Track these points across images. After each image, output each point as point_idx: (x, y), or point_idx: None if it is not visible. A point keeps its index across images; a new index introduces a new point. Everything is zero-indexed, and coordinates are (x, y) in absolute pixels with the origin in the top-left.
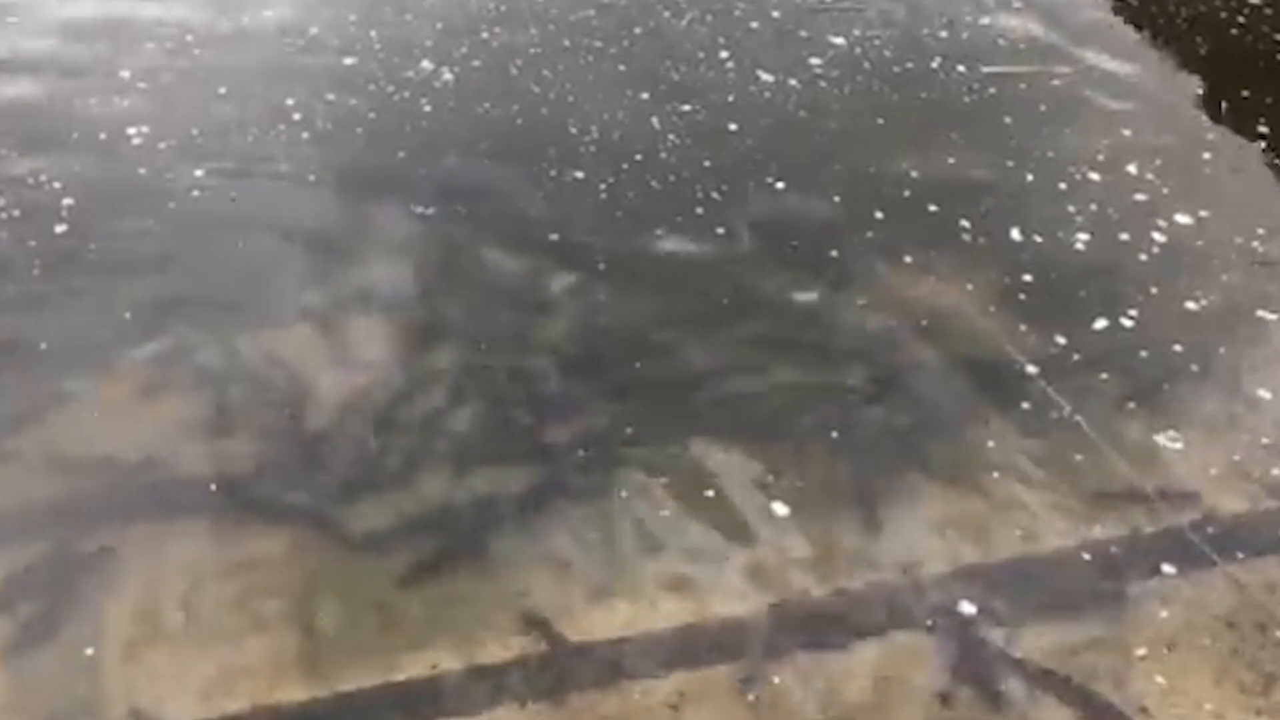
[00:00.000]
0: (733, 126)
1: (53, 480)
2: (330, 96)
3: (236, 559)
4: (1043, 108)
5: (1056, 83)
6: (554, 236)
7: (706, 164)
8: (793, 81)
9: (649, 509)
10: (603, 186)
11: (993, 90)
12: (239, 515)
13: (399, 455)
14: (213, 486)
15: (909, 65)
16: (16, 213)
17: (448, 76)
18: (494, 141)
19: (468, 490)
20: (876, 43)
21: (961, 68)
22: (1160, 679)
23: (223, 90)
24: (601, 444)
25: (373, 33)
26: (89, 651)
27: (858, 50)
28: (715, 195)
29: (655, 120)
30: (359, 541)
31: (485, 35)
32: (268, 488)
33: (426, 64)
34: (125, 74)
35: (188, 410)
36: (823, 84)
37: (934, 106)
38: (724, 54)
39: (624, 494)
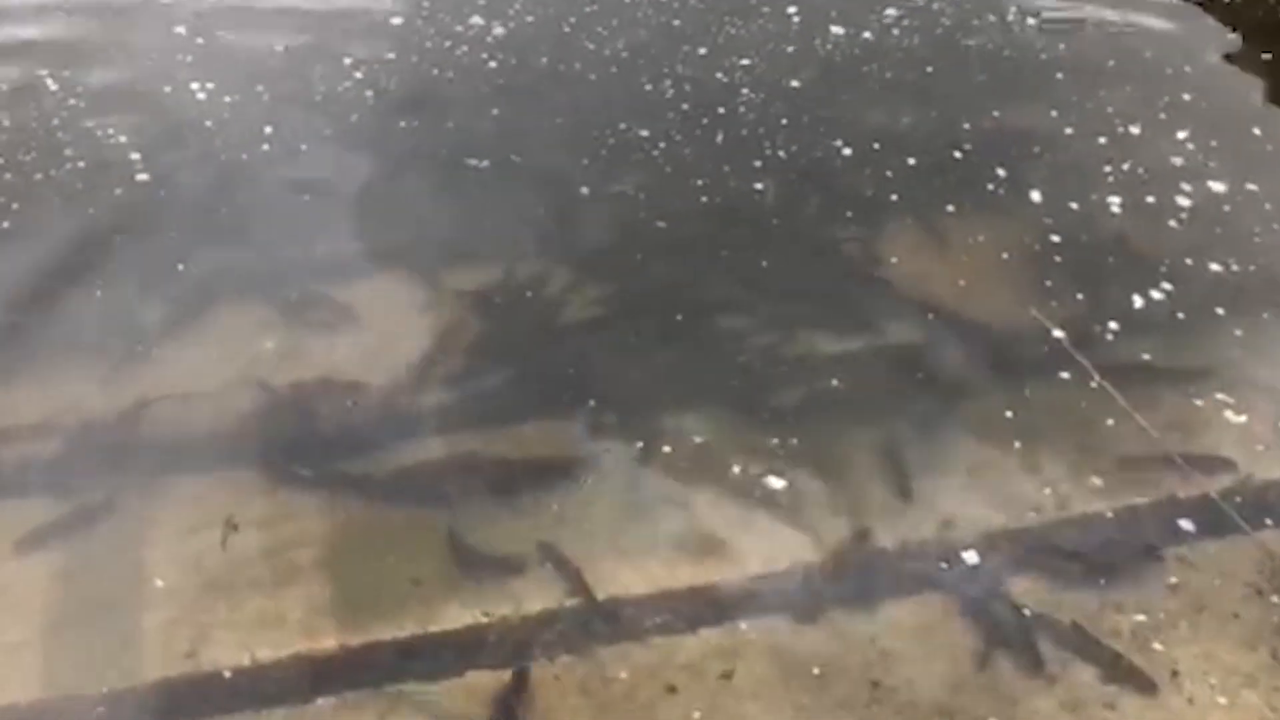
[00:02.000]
0: (795, 83)
1: None
2: (390, 55)
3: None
4: (1107, 64)
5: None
6: (612, 188)
7: (761, 117)
8: (866, 35)
9: (680, 464)
10: (662, 144)
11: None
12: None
13: (436, 414)
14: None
15: (987, 18)
16: (82, 164)
17: (499, 31)
18: (548, 95)
19: (507, 442)
20: None
21: (1031, 20)
22: (1191, 645)
23: (280, 48)
24: (635, 396)
25: None
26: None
27: (935, 5)
28: (771, 149)
29: (720, 75)
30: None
31: None
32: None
33: (478, 19)
34: (181, 30)
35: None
36: (895, 33)
37: (1005, 60)
38: (791, 8)
39: (666, 449)
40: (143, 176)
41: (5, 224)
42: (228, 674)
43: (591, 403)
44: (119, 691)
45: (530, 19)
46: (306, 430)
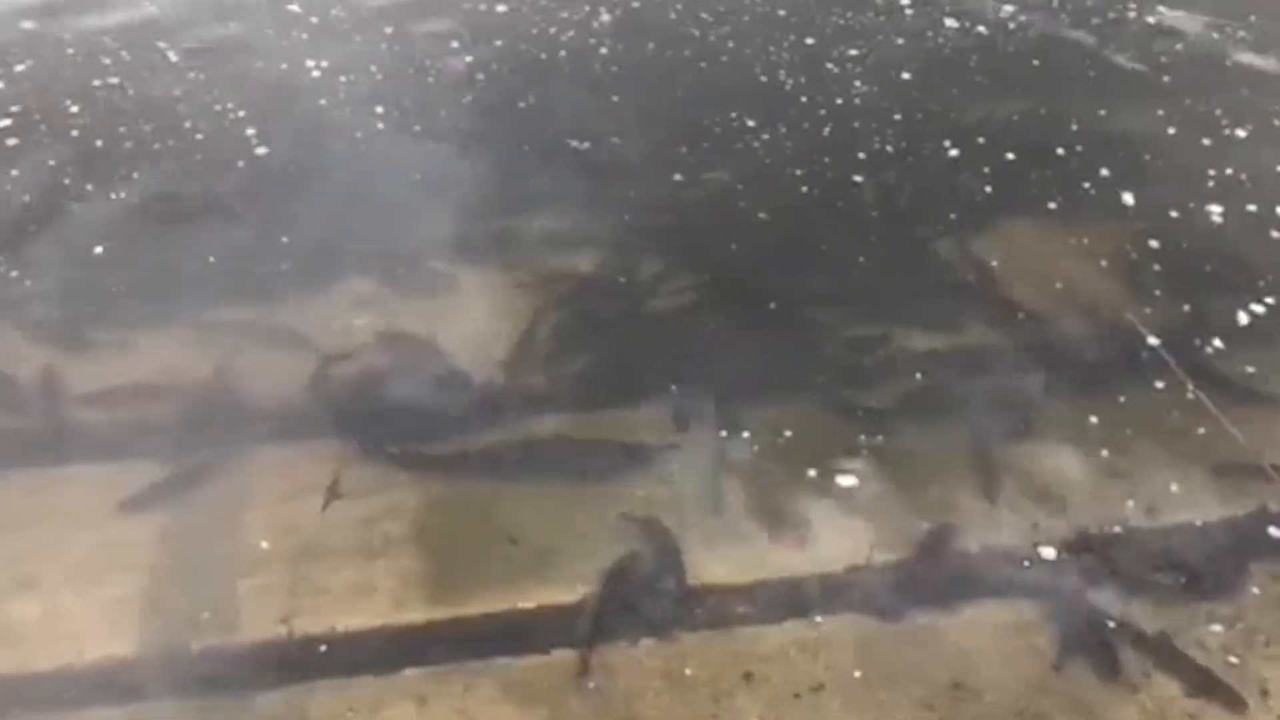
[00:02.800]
0: (906, 75)
1: None
2: (498, 42)
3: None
4: (1222, 65)
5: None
6: (710, 175)
7: (870, 110)
8: (980, 29)
9: (764, 455)
10: (766, 134)
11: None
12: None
13: (527, 395)
14: None
15: (1106, 15)
16: (199, 136)
17: (606, 18)
18: (655, 81)
19: (595, 425)
20: None
21: (1150, 19)
22: None
23: (389, 29)
24: (722, 384)
25: None
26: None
27: (1055, 2)
28: (877, 143)
29: (830, 66)
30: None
31: None
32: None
33: (585, 6)
34: (296, 8)
35: None
36: (1011, 28)
37: (1118, 58)
38: (904, 1)
39: (751, 439)
40: (261, 150)
41: (122, 193)
42: (319, 639)
43: (677, 389)
44: (214, 650)
45: (636, 5)
46: (401, 405)
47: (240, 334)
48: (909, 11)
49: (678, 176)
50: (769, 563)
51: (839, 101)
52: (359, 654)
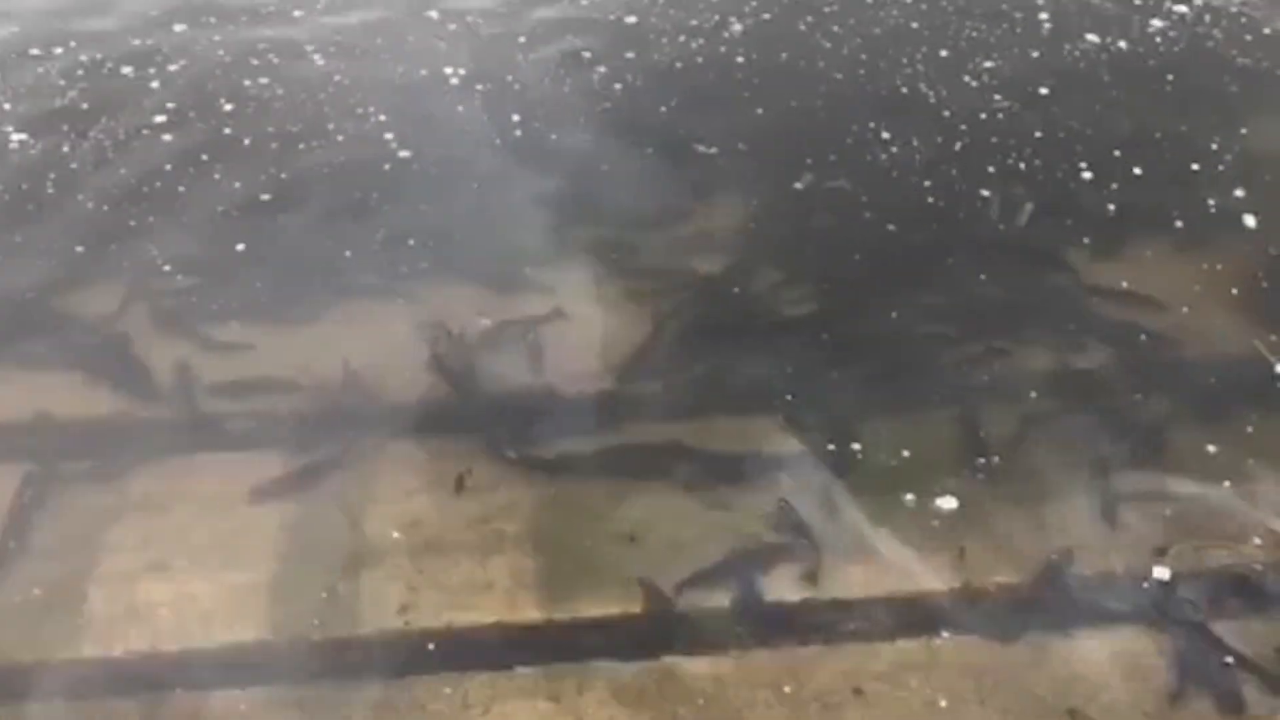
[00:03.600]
0: (1044, 90)
1: None
2: (629, 55)
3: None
4: None
5: None
6: (835, 185)
7: (1005, 124)
8: (1121, 43)
9: (877, 470)
10: (896, 146)
11: None
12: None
13: (640, 401)
14: None
15: (1261, 32)
16: (340, 138)
17: (737, 28)
18: (786, 90)
19: (707, 434)
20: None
21: None
22: None
23: (522, 39)
24: (834, 397)
25: None
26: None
27: (1206, 17)
28: (1007, 157)
29: (968, 79)
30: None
31: None
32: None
33: (715, 16)
34: (434, 14)
35: None
36: (1156, 42)
37: (1265, 77)
38: (1043, 14)
39: (864, 455)
40: (403, 154)
41: (267, 195)
42: (435, 634)
43: (791, 399)
44: (335, 640)
45: (767, 16)
46: (520, 406)
47: (371, 331)
48: (1047, 25)
49: (798, 185)
50: (885, 579)
51: (974, 114)
52: (474, 650)
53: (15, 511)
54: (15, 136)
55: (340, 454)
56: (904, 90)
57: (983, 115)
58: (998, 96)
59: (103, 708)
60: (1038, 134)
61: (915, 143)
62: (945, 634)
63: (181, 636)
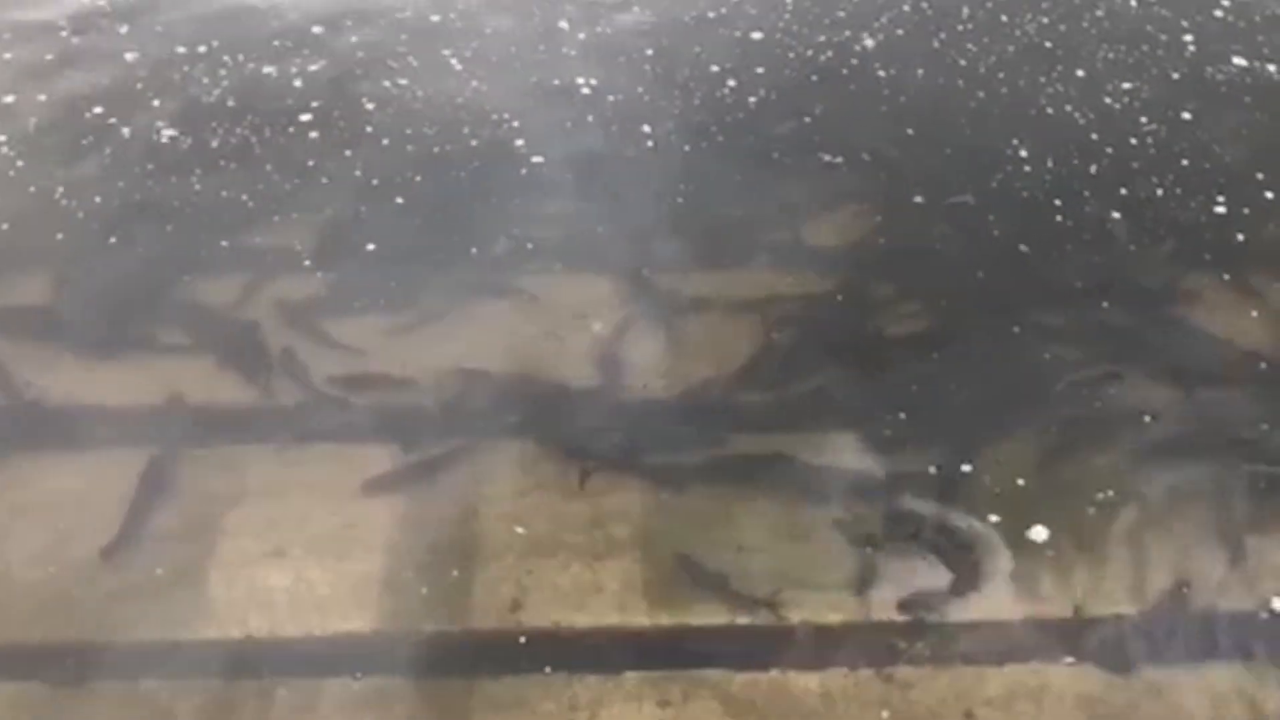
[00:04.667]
0: (1185, 115)
1: None
2: (759, 69)
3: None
4: None
5: None
6: (959, 200)
7: (1146, 148)
8: (1270, 68)
9: (993, 492)
10: (1030, 165)
11: None
12: None
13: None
14: None
15: None
16: (474, 143)
17: (869, 43)
18: (916, 105)
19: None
20: None
21: None
22: None
23: (650, 51)
24: (947, 415)
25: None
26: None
27: None
28: (1142, 180)
29: (1108, 100)
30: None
31: (907, 8)
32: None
33: (846, 32)
34: (563, 24)
35: None
36: None
37: None
38: (1187, 36)
39: (977, 482)
40: (536, 159)
41: (400, 199)
42: (544, 634)
43: (903, 416)
44: (446, 634)
45: (900, 32)
46: (628, 412)
47: (493, 330)
48: (1190, 48)
49: (919, 199)
50: (991, 603)
51: (1112, 136)
52: (582, 651)
53: (141, 493)
54: (166, 132)
55: (455, 450)
56: (1048, 110)
57: (1121, 137)
58: (1144, 119)
59: (220, 689)
60: (1177, 158)
61: (1050, 162)
62: (1058, 663)
63: (298, 622)
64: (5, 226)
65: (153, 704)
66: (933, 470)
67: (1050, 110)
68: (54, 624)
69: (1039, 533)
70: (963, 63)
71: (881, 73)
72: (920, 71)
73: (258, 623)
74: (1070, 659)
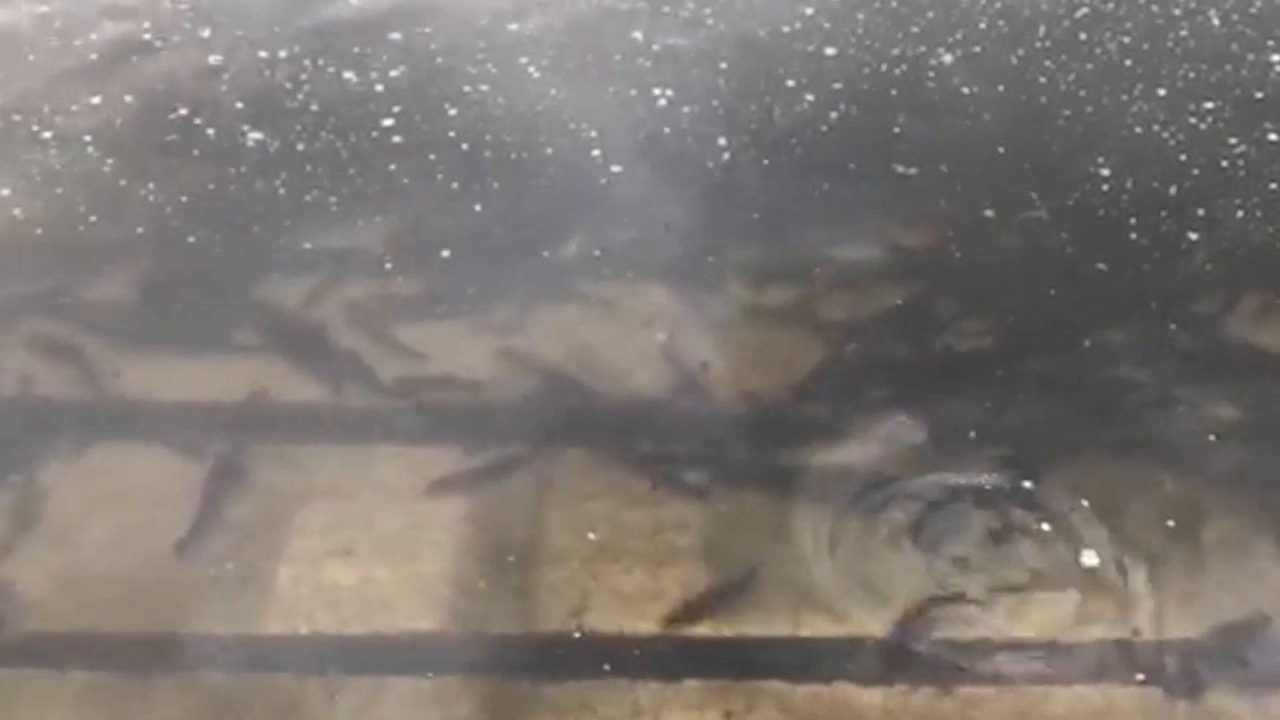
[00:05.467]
0: (1272, 136)
1: None
2: (836, 85)
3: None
4: None
5: None
6: (1032, 215)
7: (1231, 169)
8: None
9: (1058, 517)
10: (1107, 185)
11: None
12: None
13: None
14: None
15: None
16: (550, 150)
17: (947, 59)
18: (994, 119)
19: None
20: None
21: None
22: None
23: (724, 65)
24: (1015, 434)
25: (859, 15)
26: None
27: None
28: (1224, 206)
29: (1192, 119)
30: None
31: (983, 25)
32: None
33: (920, 47)
34: (638, 35)
35: None
36: None
37: None
38: (1274, 56)
39: (1042, 502)
40: (615, 169)
41: (478, 206)
42: (606, 639)
43: (973, 435)
44: (509, 637)
45: (977, 49)
46: (693, 420)
47: (563, 336)
48: (1278, 69)
49: (989, 213)
50: (1058, 622)
51: (1194, 156)
52: (645, 658)
53: (212, 488)
54: (252, 135)
55: (521, 454)
56: (1135, 130)
57: (1209, 158)
58: (1232, 140)
59: (286, 684)
60: (1266, 181)
61: (1130, 182)
62: (1123, 684)
63: (366, 621)
64: (94, 219)
65: (221, 696)
66: (998, 486)
67: (1138, 129)
68: (126, 614)
69: (1103, 552)
70: (1043, 80)
71: (965, 89)
72: (1001, 88)
73: (324, 620)
74: (1137, 680)
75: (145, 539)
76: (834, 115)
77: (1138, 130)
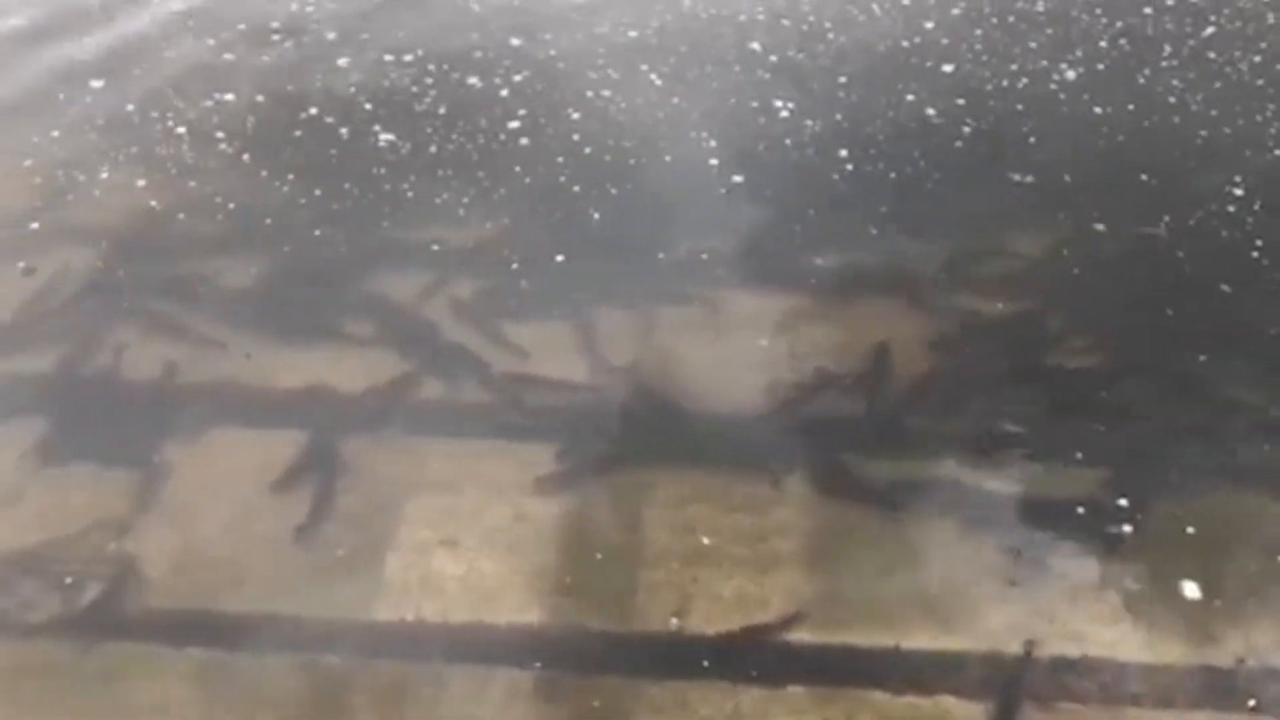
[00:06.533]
0: None
1: None
2: (959, 101)
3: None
4: None
5: None
6: (1150, 230)
7: None
8: None
9: (1163, 543)
10: (1233, 206)
11: None
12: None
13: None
14: None
15: None
16: (668, 158)
17: (1070, 75)
18: (1126, 136)
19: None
20: None
21: None
22: None
23: (843, 79)
24: (1119, 456)
25: (977, 31)
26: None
27: None
28: None
29: None
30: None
31: (1103, 43)
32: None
33: (1043, 62)
34: (756, 46)
35: None
36: None
37: None
38: None
39: (1142, 527)
40: (737, 179)
41: (558, 214)
42: (707, 642)
43: (1079, 456)
44: (612, 635)
45: (1101, 66)
46: (797, 428)
47: (669, 338)
48: None
49: (1100, 226)
50: (1164, 647)
51: None
52: (744, 663)
53: (325, 476)
54: (384, 136)
55: (624, 455)
56: (1274, 151)
57: None
58: None
59: (392, 669)
60: None
61: (1257, 204)
62: (1229, 710)
63: (470, 611)
64: (233, 207)
65: (330, 679)
66: (1102, 509)
67: (1276, 151)
68: (238, 596)
69: (1209, 579)
70: (1171, 100)
71: (1089, 105)
72: (1130, 106)
73: (431, 609)
74: (1248, 706)
75: (258, 523)
76: (958, 128)
77: (1276, 152)
